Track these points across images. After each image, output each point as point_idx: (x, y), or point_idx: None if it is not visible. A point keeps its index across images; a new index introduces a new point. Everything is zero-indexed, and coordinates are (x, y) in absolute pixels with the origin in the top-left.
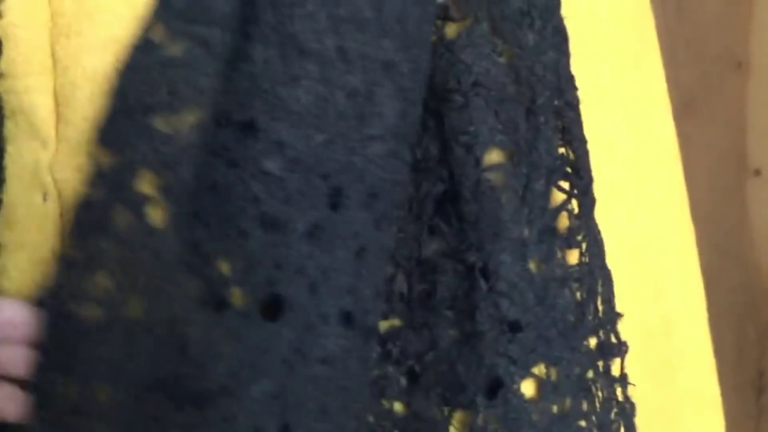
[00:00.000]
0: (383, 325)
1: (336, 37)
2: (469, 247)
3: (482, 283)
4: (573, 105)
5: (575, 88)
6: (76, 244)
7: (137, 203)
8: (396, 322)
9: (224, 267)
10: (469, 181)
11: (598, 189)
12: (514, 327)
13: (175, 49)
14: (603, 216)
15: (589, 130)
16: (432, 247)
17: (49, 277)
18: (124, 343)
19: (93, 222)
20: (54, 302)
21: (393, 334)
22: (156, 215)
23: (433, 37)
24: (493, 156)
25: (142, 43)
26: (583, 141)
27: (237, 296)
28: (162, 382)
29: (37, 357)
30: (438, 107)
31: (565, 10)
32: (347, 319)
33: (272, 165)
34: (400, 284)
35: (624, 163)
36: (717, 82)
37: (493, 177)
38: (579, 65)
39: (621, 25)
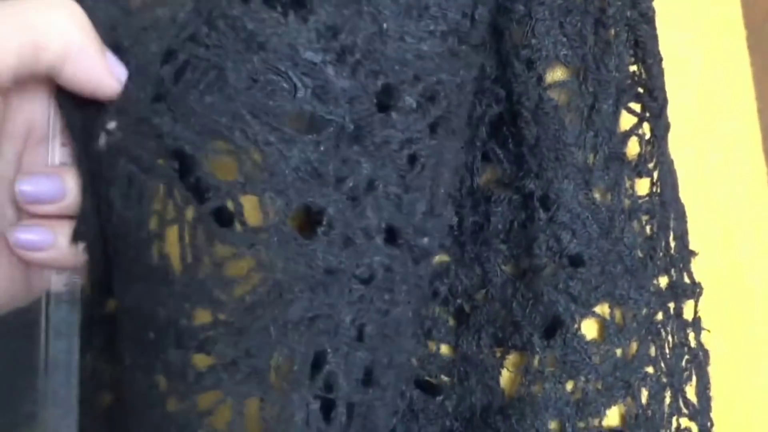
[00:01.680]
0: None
1: None
2: (527, 174)
3: (541, 213)
4: (648, 17)
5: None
6: None
7: None
8: (444, 257)
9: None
10: (529, 100)
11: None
12: (576, 261)
13: None
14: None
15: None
16: (485, 175)
17: None
18: None
19: None
20: None
21: (440, 271)
22: None
23: None
24: (557, 73)
25: None
26: (658, 58)
27: (270, 209)
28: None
29: None
30: (496, 20)
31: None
32: (391, 235)
33: (317, 56)
34: (450, 216)
35: (695, 91)
36: None
37: (556, 95)
38: None
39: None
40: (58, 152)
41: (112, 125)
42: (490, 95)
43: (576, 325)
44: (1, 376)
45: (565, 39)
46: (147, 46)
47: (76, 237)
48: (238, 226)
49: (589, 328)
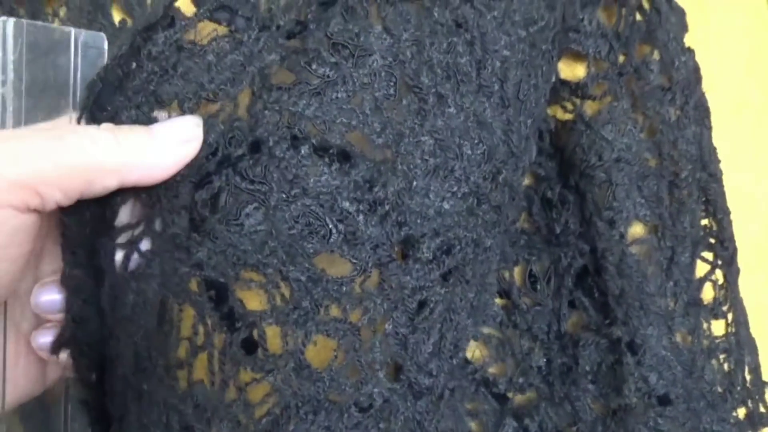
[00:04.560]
0: (519, 400)
1: (434, 78)
2: (614, 321)
3: (629, 357)
4: (716, 177)
5: (718, 161)
6: None
7: None
8: (533, 396)
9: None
10: (613, 255)
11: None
12: (664, 400)
13: None
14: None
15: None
16: (572, 320)
17: None
18: None
19: None
20: None
21: (530, 408)
22: None
23: (572, 115)
24: (637, 230)
25: None
26: (727, 212)
27: (290, 338)
28: None
29: None
30: (579, 183)
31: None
32: (396, 371)
33: (352, 206)
34: (538, 358)
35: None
36: None
37: (638, 251)
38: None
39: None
40: None
41: (146, 246)
42: (575, 249)
43: None
44: None
45: (643, 200)
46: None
47: (57, 345)
48: (260, 353)
49: None
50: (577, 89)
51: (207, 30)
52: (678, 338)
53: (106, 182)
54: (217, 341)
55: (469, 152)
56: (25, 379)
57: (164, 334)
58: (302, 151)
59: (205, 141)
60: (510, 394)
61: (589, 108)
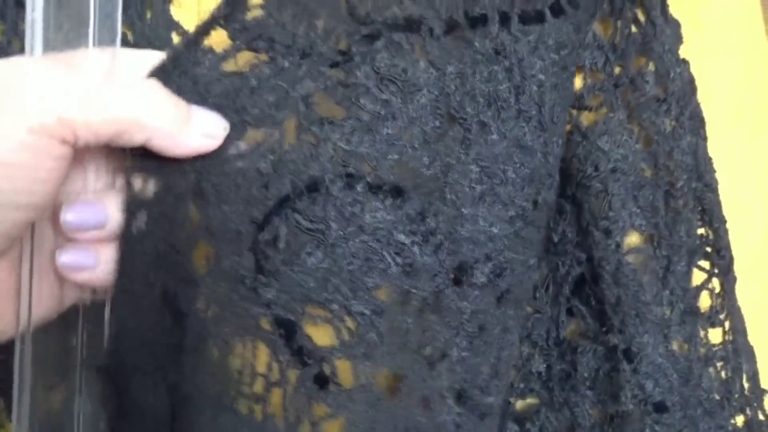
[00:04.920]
0: (521, 405)
1: (477, 107)
2: (611, 329)
3: (625, 365)
4: (712, 187)
5: (713, 171)
6: None
7: None
8: (533, 401)
9: (349, 323)
10: (609, 264)
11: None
12: (660, 407)
13: None
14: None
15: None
16: (570, 328)
17: None
18: None
19: None
20: None
21: (531, 413)
22: None
23: (568, 126)
24: (633, 239)
25: None
26: (723, 221)
27: (360, 372)
28: None
29: None
30: (576, 193)
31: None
32: (460, 396)
33: (408, 238)
34: (538, 364)
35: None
36: None
37: (634, 260)
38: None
39: (744, 73)
40: (100, 177)
41: (214, 294)
42: (572, 258)
43: None
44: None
45: (639, 210)
46: (240, 207)
47: (101, 367)
48: (332, 388)
49: None
50: (574, 100)
51: (246, 58)
52: (674, 346)
53: (136, 138)
54: (292, 377)
55: (513, 176)
56: (46, 298)
57: (238, 371)
58: (358, 189)
59: (253, 167)
60: (512, 399)
61: (586, 119)
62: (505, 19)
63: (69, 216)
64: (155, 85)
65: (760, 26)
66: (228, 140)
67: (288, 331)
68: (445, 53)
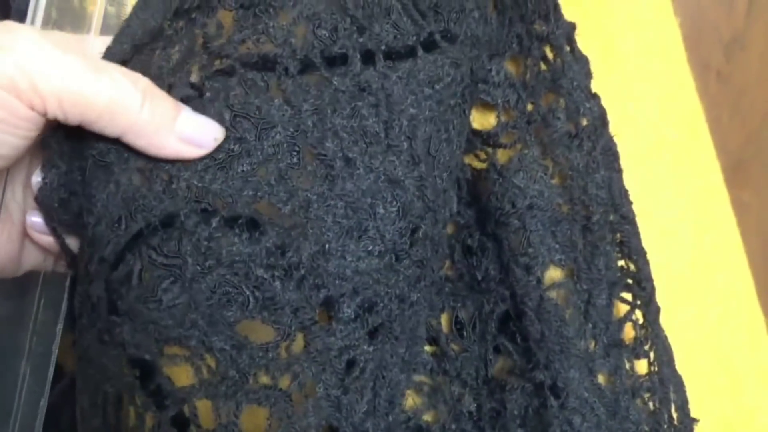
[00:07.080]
0: None
1: (340, 143)
2: (537, 365)
3: (553, 401)
4: (629, 218)
5: (630, 202)
6: None
7: None
8: None
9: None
10: (531, 300)
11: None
12: None
13: None
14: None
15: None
16: (498, 365)
17: None
18: None
19: None
20: None
21: None
22: None
23: (485, 164)
24: (554, 274)
25: None
26: (642, 252)
27: (222, 412)
28: None
29: None
30: (496, 230)
31: (609, 87)
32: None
33: (267, 272)
34: (468, 404)
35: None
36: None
37: (555, 295)
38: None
39: (665, 102)
40: None
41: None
42: (496, 295)
43: None
44: None
45: (557, 245)
46: (94, 245)
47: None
48: (194, 430)
49: None
50: (488, 138)
51: None
52: (600, 379)
53: (108, 129)
54: (149, 421)
55: (382, 211)
56: (3, 255)
57: (101, 418)
58: (213, 224)
59: (108, 210)
60: None
61: (501, 156)
62: (368, 57)
63: (39, 179)
64: (142, 79)
65: (681, 53)
66: None
67: (144, 372)
68: (301, 91)
